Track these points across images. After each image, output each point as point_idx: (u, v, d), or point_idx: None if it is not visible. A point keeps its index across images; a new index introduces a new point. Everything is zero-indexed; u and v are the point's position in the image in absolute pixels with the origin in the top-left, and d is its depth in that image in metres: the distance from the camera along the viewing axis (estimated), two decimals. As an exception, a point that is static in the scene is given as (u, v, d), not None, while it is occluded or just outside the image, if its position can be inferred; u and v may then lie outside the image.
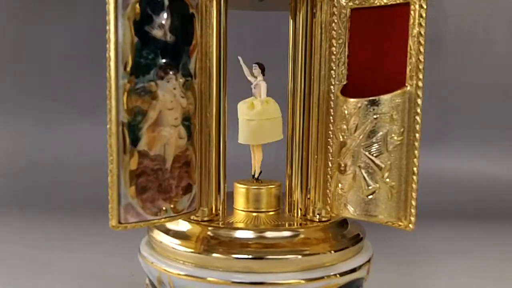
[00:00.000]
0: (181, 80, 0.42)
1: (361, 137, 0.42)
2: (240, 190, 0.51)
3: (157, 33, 0.40)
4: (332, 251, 0.45)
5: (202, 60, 0.45)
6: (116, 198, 0.39)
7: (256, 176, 0.52)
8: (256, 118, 0.50)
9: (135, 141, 0.39)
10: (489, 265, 0.86)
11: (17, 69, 1.39)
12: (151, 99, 0.39)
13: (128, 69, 0.38)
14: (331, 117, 0.45)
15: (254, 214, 0.49)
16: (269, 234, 0.44)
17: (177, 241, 0.45)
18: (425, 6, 0.39)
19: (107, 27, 0.38)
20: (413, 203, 0.40)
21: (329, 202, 0.46)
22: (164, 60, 0.40)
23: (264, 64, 0.52)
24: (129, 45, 0.38)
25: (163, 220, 0.42)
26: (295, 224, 0.47)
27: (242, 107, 0.51)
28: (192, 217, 0.46)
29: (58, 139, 1.37)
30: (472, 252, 0.92)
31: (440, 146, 1.29)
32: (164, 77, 0.40)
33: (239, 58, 0.51)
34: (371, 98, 0.42)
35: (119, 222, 0.39)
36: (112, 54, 0.38)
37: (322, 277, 0.43)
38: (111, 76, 0.38)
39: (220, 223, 0.46)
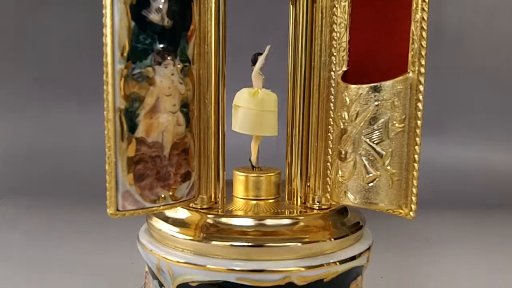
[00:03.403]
0: (179, 65, 0.41)
1: (362, 124, 0.41)
2: (239, 178, 0.50)
3: (154, 17, 0.39)
4: (332, 239, 0.45)
5: (200, 46, 0.44)
6: (114, 185, 0.39)
7: (254, 165, 0.52)
8: (259, 108, 0.49)
9: (132, 128, 0.39)
10: (489, 253, 0.86)
11: (16, 57, 1.39)
12: (148, 85, 0.39)
13: (125, 54, 0.38)
14: (331, 104, 0.45)
15: (254, 201, 0.49)
16: (268, 221, 0.44)
17: (176, 229, 0.45)
18: (428, -9, 0.39)
19: (103, 11, 0.37)
20: (414, 191, 0.40)
21: (329, 190, 0.46)
22: (161, 45, 0.39)
23: (261, 53, 0.51)
24: (125, 29, 0.37)
25: (161, 207, 0.42)
26: (295, 211, 0.46)
27: (245, 95, 0.50)
28: (191, 204, 0.46)
29: (57, 127, 1.37)
30: (472, 241, 0.92)
31: (441, 134, 1.29)
32: (161, 63, 0.40)
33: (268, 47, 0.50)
34: (372, 84, 0.41)
35: (117, 210, 0.39)
36: (108, 39, 0.37)
37: (321, 265, 0.43)
38: (107, 62, 0.37)
39: (219, 210, 0.46)
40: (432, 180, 1.12)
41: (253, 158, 0.52)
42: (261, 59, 0.50)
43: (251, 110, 0.49)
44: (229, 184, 0.51)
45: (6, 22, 1.37)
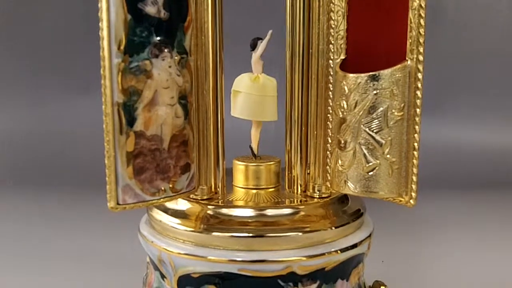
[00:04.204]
0: (176, 57, 0.41)
1: (361, 113, 0.41)
2: (239, 167, 0.50)
3: (151, 10, 0.38)
4: (333, 228, 0.45)
5: (197, 37, 0.44)
6: (114, 179, 0.39)
7: (256, 153, 0.52)
8: (260, 93, 0.49)
9: (131, 121, 0.38)
10: (489, 234, 0.86)
11: (14, 46, 1.38)
12: (146, 78, 0.39)
13: (122, 48, 0.37)
14: (330, 93, 0.44)
15: (254, 191, 0.49)
16: (269, 212, 0.44)
17: (177, 220, 0.45)
18: (425, -23, 0.38)
19: (99, 5, 0.37)
20: (414, 179, 0.40)
21: (329, 178, 0.46)
22: (158, 38, 0.39)
23: (261, 38, 0.50)
24: (122, 23, 0.37)
25: (162, 200, 0.42)
26: (295, 201, 0.46)
27: (246, 81, 0.50)
28: (191, 196, 0.46)
29: (56, 116, 1.36)
30: (472, 222, 0.93)
31: (440, 115, 1.28)
32: (159, 55, 0.39)
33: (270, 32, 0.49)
34: (371, 73, 0.41)
35: (118, 204, 0.39)
36: (104, 33, 0.37)
37: (323, 254, 0.43)
38: (104, 56, 0.37)
39: (220, 201, 0.46)
40: (431, 161, 1.12)
41: (254, 146, 0.51)
42: (262, 44, 0.49)
43: (252, 95, 0.49)
44: (229, 172, 0.51)
45: (4, 10, 1.36)
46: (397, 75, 0.39)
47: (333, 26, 0.44)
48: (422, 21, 0.38)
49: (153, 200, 0.41)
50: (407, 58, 0.39)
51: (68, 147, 1.31)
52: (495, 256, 0.77)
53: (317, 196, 0.47)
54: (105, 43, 0.37)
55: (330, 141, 0.45)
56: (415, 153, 0.40)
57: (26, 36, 1.37)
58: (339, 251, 0.44)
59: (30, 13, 1.36)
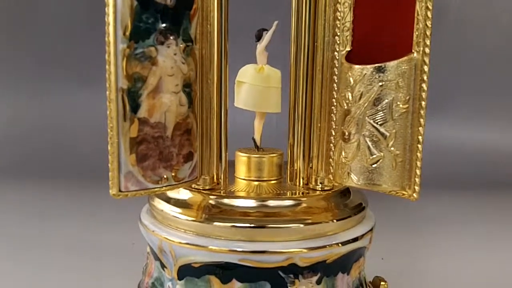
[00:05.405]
0: (181, 45, 0.40)
1: (366, 104, 0.41)
2: (241, 159, 0.50)
3: (157, -4, 0.38)
4: (334, 220, 0.45)
5: (203, 25, 0.43)
6: (116, 166, 0.38)
7: (259, 145, 0.51)
8: (264, 84, 0.49)
9: (135, 108, 0.38)
10: (489, 233, 0.86)
11: (16, 36, 1.37)
12: (151, 65, 0.38)
13: (128, 33, 0.37)
14: (335, 85, 0.44)
15: (256, 183, 0.49)
16: (271, 203, 0.44)
17: (178, 210, 0.45)
18: (432, -30, 0.38)
19: (106, -10, 0.36)
20: (418, 172, 0.40)
21: (332, 171, 0.45)
22: (164, 25, 0.39)
23: (267, 29, 0.50)
24: (128, 9, 0.37)
25: (164, 188, 0.42)
26: (297, 193, 0.46)
27: (251, 71, 0.50)
28: (193, 185, 0.46)
29: (58, 106, 1.36)
30: (473, 221, 0.92)
31: (442, 115, 1.28)
32: (164, 42, 0.39)
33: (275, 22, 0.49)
34: (376, 65, 0.40)
35: (120, 191, 0.39)
36: (111, 18, 0.36)
37: (324, 246, 0.43)
38: (110, 41, 0.37)
39: (222, 191, 0.46)
40: (432, 160, 1.12)
41: (257, 137, 0.51)
42: (268, 35, 0.49)
43: (256, 86, 0.49)
44: (231, 165, 0.51)
45: (5, 3, 1.36)
46: (403, 67, 0.39)
47: (339, 17, 0.44)
48: (429, 14, 0.38)
49: (155, 188, 0.41)
50: (413, 51, 0.39)
51: (68, 140, 1.30)
52: (494, 255, 0.77)
53: (319, 189, 0.46)
54: (110, 29, 0.37)
55: (333, 133, 0.45)
56: (419, 146, 0.40)
57: (26, 28, 1.36)
58: (340, 244, 0.44)
59: (31, 5, 1.36)
